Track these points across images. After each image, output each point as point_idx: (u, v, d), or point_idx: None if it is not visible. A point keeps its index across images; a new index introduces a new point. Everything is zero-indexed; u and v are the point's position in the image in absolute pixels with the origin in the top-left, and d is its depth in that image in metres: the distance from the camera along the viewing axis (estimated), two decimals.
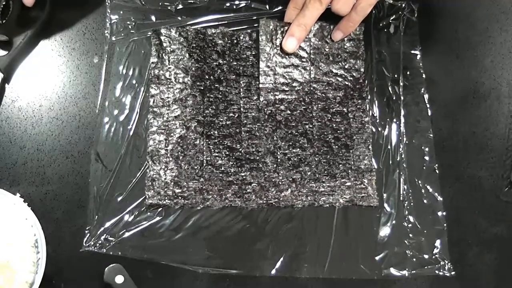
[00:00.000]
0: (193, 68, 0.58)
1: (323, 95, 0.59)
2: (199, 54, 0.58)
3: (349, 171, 0.57)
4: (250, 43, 0.60)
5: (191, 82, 0.57)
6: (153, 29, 0.59)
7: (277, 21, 0.59)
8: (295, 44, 0.58)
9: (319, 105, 0.59)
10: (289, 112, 0.58)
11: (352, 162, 0.57)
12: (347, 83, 0.60)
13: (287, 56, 0.59)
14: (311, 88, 0.59)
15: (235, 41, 0.60)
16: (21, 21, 0.58)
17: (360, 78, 0.60)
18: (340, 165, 0.57)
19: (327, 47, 0.60)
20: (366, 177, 0.57)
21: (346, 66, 0.60)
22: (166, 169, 0.55)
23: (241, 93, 0.58)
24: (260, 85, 0.58)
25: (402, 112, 0.60)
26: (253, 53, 0.59)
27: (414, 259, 0.55)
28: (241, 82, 0.58)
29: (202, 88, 0.57)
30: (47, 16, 0.59)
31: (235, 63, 0.59)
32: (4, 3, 0.57)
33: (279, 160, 0.57)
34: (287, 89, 0.58)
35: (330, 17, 0.59)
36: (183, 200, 0.54)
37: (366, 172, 0.57)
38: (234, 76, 0.58)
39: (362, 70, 0.60)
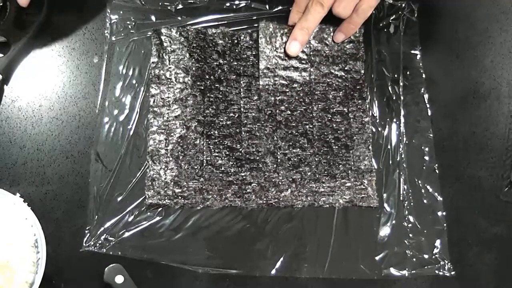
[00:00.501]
0: (194, 68, 0.58)
1: (323, 95, 0.59)
2: (199, 54, 0.58)
3: (349, 172, 0.57)
4: (251, 43, 0.60)
5: (191, 82, 0.57)
6: (153, 28, 0.59)
7: (276, 23, 0.59)
8: (298, 47, 0.58)
9: (319, 105, 0.59)
10: (289, 112, 0.58)
11: (352, 163, 0.57)
12: (347, 83, 0.60)
13: (287, 58, 0.59)
14: (311, 89, 0.59)
15: (236, 41, 0.60)
16: (19, 22, 0.58)
17: (360, 79, 0.60)
18: (340, 166, 0.57)
19: (326, 49, 0.60)
20: (366, 177, 0.57)
21: (346, 68, 0.60)
22: (166, 169, 0.55)
23: (242, 93, 0.58)
24: (260, 87, 0.58)
25: (402, 112, 0.60)
26: (254, 53, 0.59)
27: (414, 259, 0.55)
28: (241, 82, 0.58)
29: (202, 88, 0.57)
30: (45, 17, 0.58)
31: (235, 63, 0.59)
32: (1, 4, 0.57)
33: (279, 160, 0.57)
34: (287, 90, 0.59)
35: (330, 20, 0.59)
36: (183, 200, 0.54)
37: (366, 172, 0.57)
38: (234, 76, 0.58)
39: (362, 71, 0.60)
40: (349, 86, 0.60)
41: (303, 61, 0.59)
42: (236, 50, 0.59)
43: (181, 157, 0.55)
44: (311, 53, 0.60)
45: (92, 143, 0.55)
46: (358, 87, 0.60)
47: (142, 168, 0.55)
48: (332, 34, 0.60)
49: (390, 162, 0.58)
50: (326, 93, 0.59)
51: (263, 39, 0.59)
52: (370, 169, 0.57)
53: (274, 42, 0.59)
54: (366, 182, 0.57)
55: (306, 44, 0.59)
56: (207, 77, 0.58)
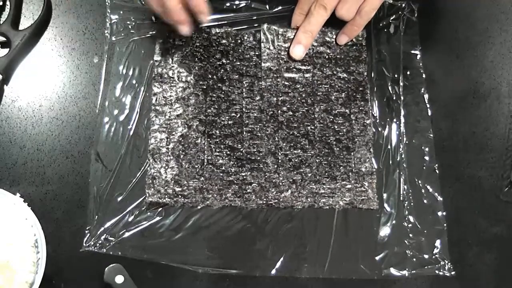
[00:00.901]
0: (197, 67, 0.58)
1: (326, 96, 0.59)
2: (202, 53, 0.58)
3: (350, 174, 0.57)
4: (254, 44, 0.60)
5: (194, 81, 0.57)
6: (156, 24, 0.59)
7: (279, 26, 0.59)
8: (302, 51, 0.59)
9: (322, 106, 0.59)
10: (291, 113, 0.58)
11: (353, 165, 0.57)
12: (349, 85, 0.60)
13: (289, 60, 0.59)
14: (314, 90, 0.59)
15: (239, 41, 0.60)
16: (19, 22, 0.58)
17: (363, 81, 0.60)
18: (341, 167, 0.57)
19: (329, 51, 0.60)
20: (366, 180, 0.57)
21: (348, 70, 0.60)
22: (167, 167, 0.55)
23: (244, 93, 0.58)
24: (263, 87, 0.58)
25: (402, 112, 0.60)
26: (257, 53, 0.59)
27: (414, 259, 0.55)
28: (244, 82, 0.58)
29: (205, 87, 0.57)
30: (45, 17, 0.58)
31: (238, 63, 0.59)
32: (1, 3, 0.57)
33: (280, 161, 0.56)
34: (289, 91, 0.59)
35: (333, 22, 0.59)
36: (183, 199, 0.54)
37: (367, 175, 0.57)
38: (237, 76, 0.58)
39: (365, 73, 0.60)
40: (352, 88, 0.60)
41: (305, 63, 0.60)
42: (240, 50, 0.59)
43: (182, 156, 0.55)
44: (314, 55, 0.60)
45: (92, 143, 0.55)
46: (360, 88, 0.60)
47: (142, 168, 0.55)
48: (335, 36, 0.61)
49: (390, 162, 0.58)
50: (328, 94, 0.59)
51: (265, 41, 0.59)
52: (371, 172, 0.57)
53: (277, 44, 0.59)
54: (366, 184, 0.57)
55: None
56: (210, 76, 0.58)
